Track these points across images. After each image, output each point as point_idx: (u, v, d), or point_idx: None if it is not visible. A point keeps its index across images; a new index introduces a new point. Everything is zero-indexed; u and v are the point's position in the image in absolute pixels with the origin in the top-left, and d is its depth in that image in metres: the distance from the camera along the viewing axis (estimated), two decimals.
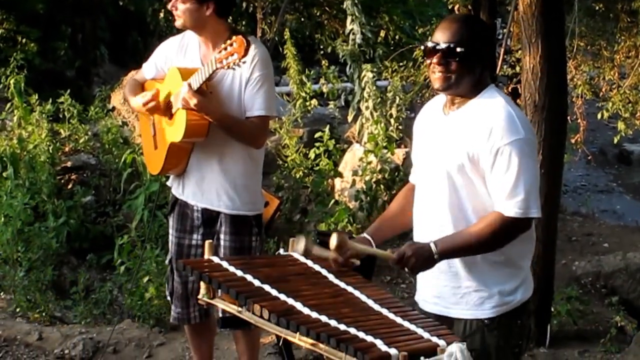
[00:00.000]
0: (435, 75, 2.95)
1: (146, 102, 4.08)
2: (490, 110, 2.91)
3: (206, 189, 4.08)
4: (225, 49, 3.64)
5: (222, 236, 4.08)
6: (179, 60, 4.11)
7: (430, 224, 3.05)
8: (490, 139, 2.86)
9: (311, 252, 3.03)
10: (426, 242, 2.90)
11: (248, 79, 3.93)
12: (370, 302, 2.83)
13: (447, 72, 2.92)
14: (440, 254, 2.88)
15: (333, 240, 2.92)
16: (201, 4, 3.93)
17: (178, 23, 4.01)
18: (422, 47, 3.03)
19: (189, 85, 3.81)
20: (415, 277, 2.99)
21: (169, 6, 4.01)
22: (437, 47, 2.93)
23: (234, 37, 3.64)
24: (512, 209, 2.86)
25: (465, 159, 2.92)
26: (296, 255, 3.13)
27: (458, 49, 2.90)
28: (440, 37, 2.94)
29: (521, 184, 2.85)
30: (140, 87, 4.28)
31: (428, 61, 2.98)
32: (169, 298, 4.37)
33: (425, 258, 2.87)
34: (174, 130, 4.00)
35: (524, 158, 2.85)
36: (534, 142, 2.97)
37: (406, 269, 2.89)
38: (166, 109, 4.06)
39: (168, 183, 4.32)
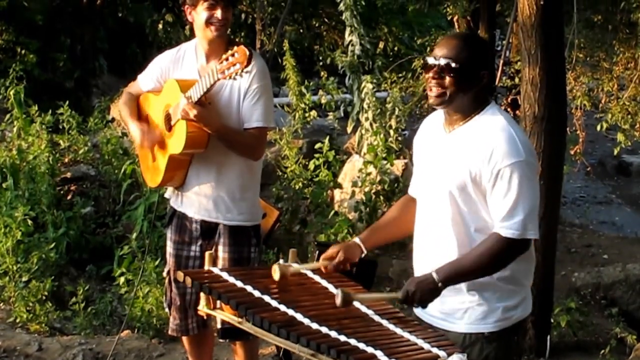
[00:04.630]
0: (431, 91, 2.98)
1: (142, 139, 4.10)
2: (492, 130, 2.92)
3: (204, 200, 4.07)
4: (227, 59, 3.62)
5: (220, 247, 4.07)
6: (176, 72, 4.11)
7: (432, 241, 3.06)
8: (491, 160, 2.87)
9: (288, 275, 3.02)
10: (427, 273, 2.92)
11: (246, 90, 3.93)
12: (371, 313, 2.84)
13: (442, 87, 2.95)
14: (443, 282, 2.89)
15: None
16: (232, 12, 4.00)
17: (220, 33, 3.93)
18: (422, 62, 3.05)
19: (189, 96, 3.81)
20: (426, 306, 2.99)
21: (219, 17, 3.89)
22: (435, 62, 2.95)
23: (235, 47, 3.62)
24: (509, 230, 2.87)
25: (468, 178, 2.93)
26: (296, 266, 3.13)
27: (453, 65, 2.91)
28: (439, 52, 2.97)
29: (520, 205, 2.86)
30: (136, 102, 4.25)
31: (426, 76, 3.00)
32: (167, 310, 4.36)
33: (430, 289, 2.89)
34: (174, 142, 4.00)
35: (524, 180, 2.86)
36: (534, 163, 2.98)
37: (415, 305, 2.92)
38: (165, 122, 4.06)
39: (166, 195, 4.31)
